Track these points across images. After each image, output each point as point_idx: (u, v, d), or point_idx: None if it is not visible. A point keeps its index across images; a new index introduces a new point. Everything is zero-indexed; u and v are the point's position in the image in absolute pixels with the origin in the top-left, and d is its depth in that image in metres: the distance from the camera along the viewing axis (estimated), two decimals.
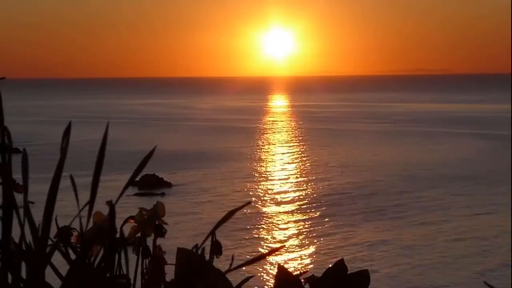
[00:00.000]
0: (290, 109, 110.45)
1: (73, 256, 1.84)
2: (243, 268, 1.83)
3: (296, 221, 27.31)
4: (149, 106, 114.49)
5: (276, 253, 19.04)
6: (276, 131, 68.08)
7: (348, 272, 2.15)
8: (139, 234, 2.06)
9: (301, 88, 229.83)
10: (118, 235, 1.85)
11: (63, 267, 1.80)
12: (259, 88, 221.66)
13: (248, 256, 19.76)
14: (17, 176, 1.79)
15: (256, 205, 29.27)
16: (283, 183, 36.05)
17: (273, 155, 48.37)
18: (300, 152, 49.57)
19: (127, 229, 2.01)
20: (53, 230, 1.83)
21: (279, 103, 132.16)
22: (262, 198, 31.45)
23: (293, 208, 29.76)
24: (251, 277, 2.01)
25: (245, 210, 26.06)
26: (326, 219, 27.31)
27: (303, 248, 23.47)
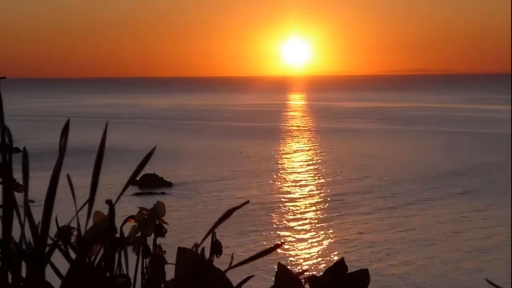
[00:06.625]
0: (296, 107, 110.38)
1: (73, 255, 1.83)
2: (243, 266, 1.83)
3: (296, 220, 27.31)
4: (169, 106, 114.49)
5: (276, 250, 19.03)
6: (277, 131, 68.02)
7: (348, 272, 2.15)
8: (139, 234, 2.06)
9: (313, 87, 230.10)
10: (118, 234, 1.85)
11: (63, 267, 1.80)
12: (275, 89, 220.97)
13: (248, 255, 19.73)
14: (18, 175, 1.79)
15: (256, 204, 29.24)
16: (283, 183, 36.04)
17: (274, 154, 48.35)
18: (300, 151, 49.56)
19: (127, 229, 2.01)
20: (54, 230, 1.83)
21: (288, 102, 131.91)
22: (262, 197, 31.43)
23: (293, 207, 29.75)
24: (251, 276, 2.01)
25: (244, 209, 26.06)
26: (326, 218, 27.30)
27: (303, 247, 23.47)
